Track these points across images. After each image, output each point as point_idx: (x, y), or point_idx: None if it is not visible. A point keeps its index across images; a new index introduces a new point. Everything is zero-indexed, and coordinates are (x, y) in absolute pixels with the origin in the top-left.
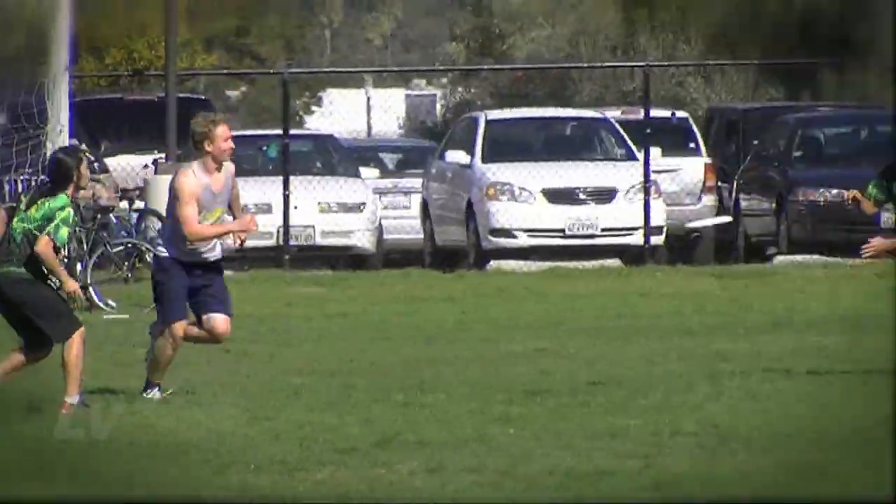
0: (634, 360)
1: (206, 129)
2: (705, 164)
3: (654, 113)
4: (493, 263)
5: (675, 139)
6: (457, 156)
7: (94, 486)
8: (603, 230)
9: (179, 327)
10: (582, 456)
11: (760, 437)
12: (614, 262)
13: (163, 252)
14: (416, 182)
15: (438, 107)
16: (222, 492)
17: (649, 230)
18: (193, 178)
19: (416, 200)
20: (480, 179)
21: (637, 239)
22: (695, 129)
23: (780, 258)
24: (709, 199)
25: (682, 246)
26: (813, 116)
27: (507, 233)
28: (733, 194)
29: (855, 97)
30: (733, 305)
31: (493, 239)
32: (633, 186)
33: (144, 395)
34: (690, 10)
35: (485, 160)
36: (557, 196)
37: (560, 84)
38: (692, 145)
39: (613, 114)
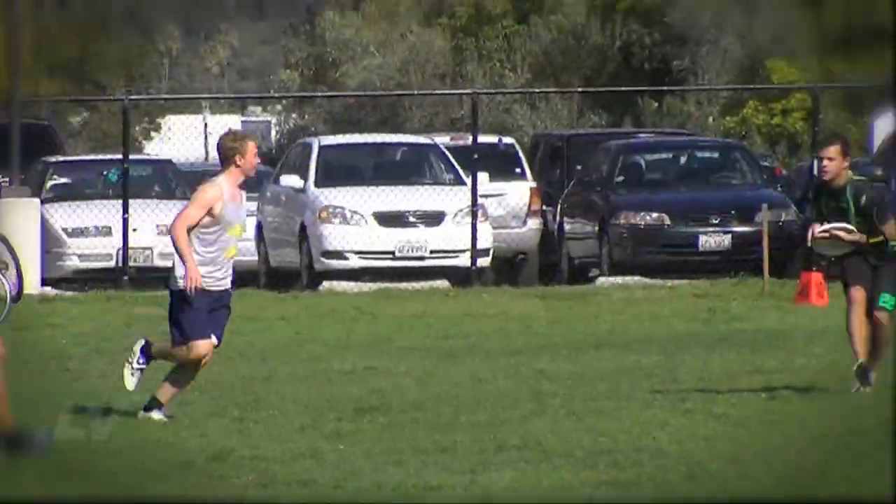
0: (462, 378)
1: (238, 144)
2: (531, 189)
3: (482, 139)
4: (326, 284)
5: (502, 164)
6: (291, 180)
7: None
8: (432, 252)
9: (206, 345)
10: (411, 471)
11: (582, 452)
12: (443, 284)
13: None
14: (252, 205)
15: (273, 132)
16: None
17: (476, 252)
18: (219, 190)
19: (251, 223)
20: (313, 203)
21: (465, 261)
22: (521, 154)
23: (602, 280)
24: (534, 223)
25: (508, 268)
26: (634, 143)
27: (339, 255)
28: (557, 218)
29: (674, 124)
30: (557, 326)
31: (326, 261)
32: (461, 210)
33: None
34: (517, 39)
35: (318, 184)
36: (388, 219)
37: (391, 111)
38: (518, 170)
39: (442, 140)
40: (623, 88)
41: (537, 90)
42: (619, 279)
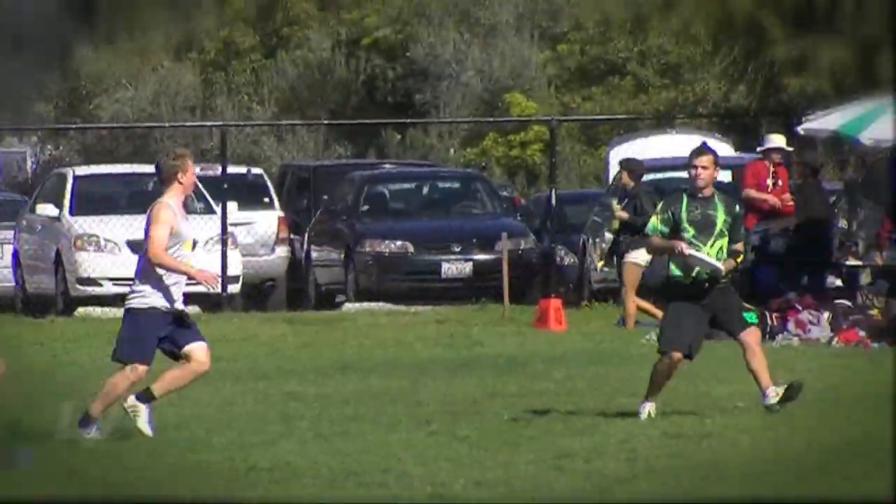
0: (213, 400)
1: (179, 162)
2: (279, 218)
3: (231, 170)
4: (81, 310)
5: (251, 194)
6: (46, 209)
7: None
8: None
9: (144, 369)
10: (166, 490)
11: (330, 473)
12: (194, 309)
13: (140, 304)
14: (8, 233)
15: (29, 163)
16: None
17: (226, 279)
18: (171, 208)
19: (8, 250)
20: (68, 231)
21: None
22: (269, 184)
23: (348, 306)
24: (282, 251)
25: (257, 294)
26: (378, 173)
27: (94, 281)
28: (305, 246)
29: (417, 155)
30: (305, 350)
31: (81, 287)
32: (211, 238)
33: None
34: (264, 73)
35: (73, 213)
36: (140, 247)
37: (144, 142)
38: (266, 200)
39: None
40: (367, 121)
41: (284, 122)
42: (364, 305)
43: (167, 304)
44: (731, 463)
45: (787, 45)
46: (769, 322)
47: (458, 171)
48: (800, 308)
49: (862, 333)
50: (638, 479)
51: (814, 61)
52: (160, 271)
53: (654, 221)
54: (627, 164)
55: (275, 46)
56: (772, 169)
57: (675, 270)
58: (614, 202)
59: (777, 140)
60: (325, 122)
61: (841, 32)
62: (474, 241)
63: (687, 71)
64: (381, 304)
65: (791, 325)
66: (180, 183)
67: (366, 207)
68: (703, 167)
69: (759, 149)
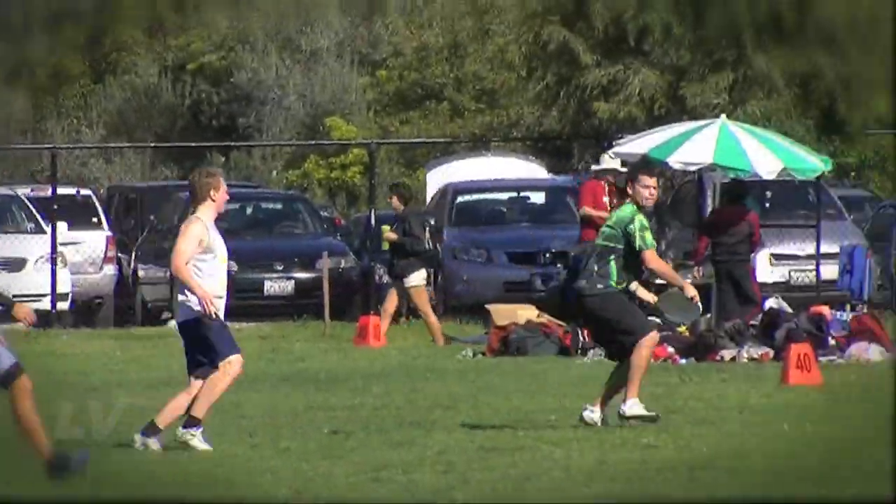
0: (41, 413)
1: (212, 179)
2: (107, 237)
3: (61, 190)
4: None
5: (80, 214)
6: None
7: None
8: (15, 296)
9: (238, 359)
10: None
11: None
12: (21, 326)
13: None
14: None
15: None
16: None
17: (56, 296)
18: (202, 223)
19: None
20: None
21: (45, 304)
22: (97, 205)
23: (173, 322)
24: (110, 269)
25: (86, 310)
26: None
27: None
28: (132, 264)
29: (241, 177)
30: (133, 365)
31: None
32: (41, 257)
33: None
34: (93, 97)
35: None
36: None
37: None
38: (95, 220)
39: (24, 191)
40: (193, 144)
41: (113, 145)
42: None
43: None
44: (544, 476)
45: (598, 71)
46: (581, 338)
47: (281, 193)
48: None
49: (671, 349)
50: (454, 491)
51: (624, 87)
52: (206, 279)
53: (650, 238)
54: (396, 189)
55: (103, 71)
56: (607, 188)
57: (612, 282)
58: (385, 225)
59: (610, 161)
60: (152, 144)
61: (650, 60)
62: (296, 260)
63: (501, 96)
64: None
65: None
66: (213, 200)
67: None
68: (656, 187)
69: (593, 168)
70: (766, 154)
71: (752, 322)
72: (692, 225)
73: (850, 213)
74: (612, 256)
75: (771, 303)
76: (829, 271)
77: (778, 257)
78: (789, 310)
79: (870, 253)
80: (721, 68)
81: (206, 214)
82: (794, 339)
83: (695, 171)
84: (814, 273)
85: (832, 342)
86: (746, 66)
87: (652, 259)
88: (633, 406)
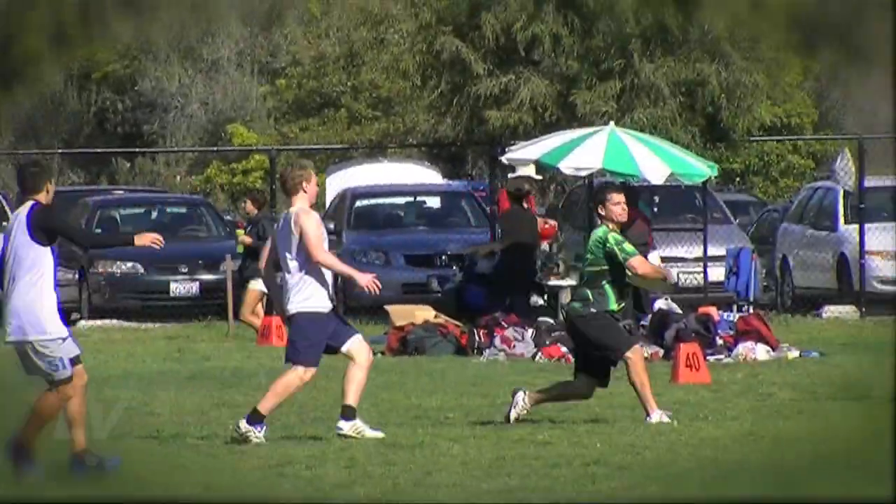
0: None
1: (304, 171)
2: None
3: None
4: None
5: None
6: None
7: None
8: None
9: (314, 372)
10: None
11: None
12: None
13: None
14: None
15: None
16: None
17: None
18: (316, 214)
19: None
20: None
21: None
22: (7, 209)
23: (83, 323)
24: None
25: None
26: (110, 199)
27: None
28: None
29: (146, 182)
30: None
31: None
32: None
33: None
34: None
35: None
36: None
37: None
38: (4, 224)
39: None
40: (99, 150)
41: (21, 151)
42: (98, 322)
43: (328, 305)
44: (443, 471)
45: (490, 80)
46: (477, 338)
47: (185, 197)
48: (505, 325)
49: (564, 349)
50: (356, 485)
51: (515, 95)
52: (323, 275)
53: (630, 247)
54: (250, 194)
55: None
56: (505, 195)
57: (613, 305)
58: (239, 230)
59: (525, 169)
60: (60, 150)
61: (540, 69)
62: (200, 262)
63: (397, 104)
64: (113, 321)
65: (497, 341)
66: (305, 192)
67: (98, 230)
68: (625, 202)
69: (510, 175)
70: (654, 160)
71: (642, 322)
72: (582, 228)
73: (736, 216)
74: (605, 281)
75: (660, 304)
76: (716, 273)
77: (666, 260)
78: (678, 310)
79: (755, 255)
80: (609, 77)
81: (305, 204)
82: (683, 338)
83: (585, 177)
84: (701, 275)
85: (720, 342)
86: (633, 75)
87: (640, 265)
88: (657, 416)
